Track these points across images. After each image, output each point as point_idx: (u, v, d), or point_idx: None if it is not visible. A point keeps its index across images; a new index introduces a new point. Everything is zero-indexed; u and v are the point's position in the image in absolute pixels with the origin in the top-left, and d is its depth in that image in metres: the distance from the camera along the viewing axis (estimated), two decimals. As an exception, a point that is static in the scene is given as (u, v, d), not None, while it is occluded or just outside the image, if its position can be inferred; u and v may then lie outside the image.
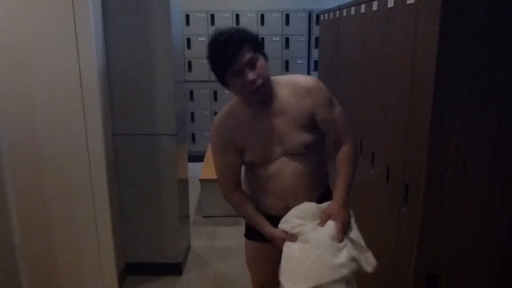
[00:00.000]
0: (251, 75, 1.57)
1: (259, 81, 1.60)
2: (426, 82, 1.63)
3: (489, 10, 1.51)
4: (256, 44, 1.63)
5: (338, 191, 1.73)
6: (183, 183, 3.26)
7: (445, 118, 1.59)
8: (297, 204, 1.74)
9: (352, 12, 2.92)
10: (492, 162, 1.62)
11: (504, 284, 1.73)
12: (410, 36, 1.80)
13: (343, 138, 1.78)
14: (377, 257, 1.74)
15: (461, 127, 1.59)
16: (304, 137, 1.70)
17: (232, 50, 1.56)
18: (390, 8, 2.06)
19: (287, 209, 1.75)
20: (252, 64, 1.58)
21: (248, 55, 1.57)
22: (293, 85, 1.74)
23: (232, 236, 3.71)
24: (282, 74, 5.96)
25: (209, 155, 4.71)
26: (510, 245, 1.70)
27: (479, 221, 1.67)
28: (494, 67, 1.56)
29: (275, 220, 1.77)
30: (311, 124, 1.72)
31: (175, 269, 3.12)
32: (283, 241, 1.72)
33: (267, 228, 1.78)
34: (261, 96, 1.66)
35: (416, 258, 1.72)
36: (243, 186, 1.89)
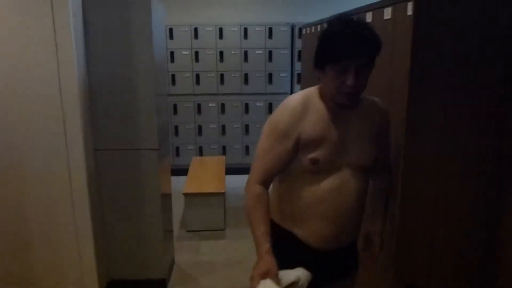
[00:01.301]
0: (353, 81, 1.40)
1: (356, 90, 1.45)
2: (402, 94, 1.66)
3: (460, 22, 1.56)
4: (377, 53, 1.46)
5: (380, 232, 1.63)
6: (166, 197, 3.23)
7: (420, 130, 1.62)
8: (345, 239, 1.57)
9: (333, 26, 2.94)
10: (464, 171, 1.65)
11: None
12: (388, 51, 1.83)
13: (388, 168, 1.69)
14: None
15: (435, 139, 1.63)
16: (373, 151, 1.56)
17: (362, 44, 1.40)
18: (368, 23, 2.09)
19: (336, 241, 1.55)
20: (361, 71, 1.42)
21: (366, 60, 1.42)
22: (375, 102, 1.62)
23: (217, 250, 3.68)
24: (265, 87, 6.01)
25: (193, 168, 4.69)
26: (485, 252, 1.72)
27: (454, 231, 1.70)
28: (464, 78, 1.60)
29: (311, 258, 1.53)
30: (376, 143, 1.59)
31: (159, 285, 3.07)
32: (262, 276, 1.45)
33: (262, 246, 1.50)
34: (348, 102, 1.49)
35: (393, 268, 1.73)
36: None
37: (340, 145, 1.50)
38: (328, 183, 1.50)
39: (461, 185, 1.68)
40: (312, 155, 1.47)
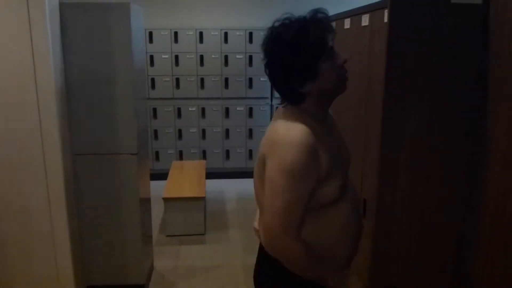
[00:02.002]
0: (343, 56, 1.34)
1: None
2: (378, 100, 1.70)
3: (432, 29, 1.61)
4: None
5: None
6: (145, 202, 3.21)
7: (395, 137, 1.66)
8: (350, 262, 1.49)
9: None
10: (437, 189, 1.70)
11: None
12: (366, 56, 1.87)
13: None
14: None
15: (410, 143, 1.66)
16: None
17: (332, 27, 1.35)
18: (347, 29, 2.13)
19: (347, 266, 1.49)
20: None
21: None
22: None
23: (197, 255, 3.66)
24: (246, 92, 6.02)
25: (173, 172, 4.67)
26: (459, 255, 1.76)
27: (429, 233, 1.74)
28: (437, 82, 1.65)
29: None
30: None
31: (138, 291, 3.05)
32: None
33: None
34: (346, 88, 1.41)
35: (371, 270, 1.76)
36: None
37: (341, 158, 1.45)
38: (347, 201, 1.43)
39: (435, 189, 1.72)
40: (338, 182, 1.37)
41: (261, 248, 1.53)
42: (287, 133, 1.30)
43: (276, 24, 1.37)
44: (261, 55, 1.42)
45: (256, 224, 1.56)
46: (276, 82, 1.41)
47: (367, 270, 1.81)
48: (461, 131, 1.72)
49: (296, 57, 1.31)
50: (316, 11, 1.35)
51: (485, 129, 1.65)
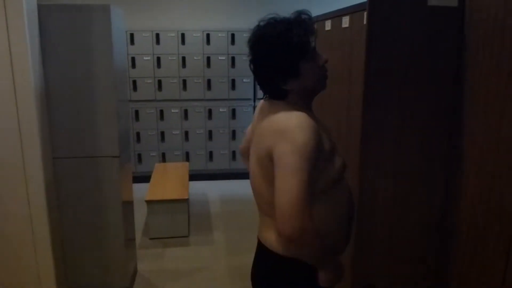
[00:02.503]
0: (323, 56, 1.42)
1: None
2: (358, 101, 1.72)
3: (410, 30, 1.64)
4: None
5: None
6: (128, 205, 3.19)
7: (374, 137, 1.69)
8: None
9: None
10: (417, 188, 1.73)
11: (435, 286, 1.83)
12: (346, 57, 1.89)
13: None
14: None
15: (390, 143, 1.69)
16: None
17: (314, 28, 1.41)
18: (328, 31, 2.15)
19: (343, 250, 1.55)
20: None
21: None
22: None
23: (181, 258, 3.65)
24: (228, 93, 6.02)
25: (156, 174, 4.64)
26: (438, 253, 1.80)
27: (409, 233, 1.77)
28: (416, 83, 1.68)
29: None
30: None
31: (121, 295, 3.03)
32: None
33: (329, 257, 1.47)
34: (326, 86, 1.49)
35: (352, 269, 1.78)
36: None
37: (335, 143, 1.50)
38: (346, 185, 1.50)
39: (415, 188, 1.75)
40: (339, 161, 1.43)
41: (260, 247, 1.55)
42: (291, 119, 1.35)
43: (262, 23, 1.42)
44: (247, 52, 1.49)
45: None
46: (260, 79, 1.47)
47: (348, 269, 1.84)
48: (439, 131, 1.75)
49: (279, 56, 1.37)
50: (300, 13, 1.41)
51: (462, 129, 1.68)
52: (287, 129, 1.34)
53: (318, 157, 1.34)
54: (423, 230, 1.79)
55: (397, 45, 1.69)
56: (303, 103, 1.46)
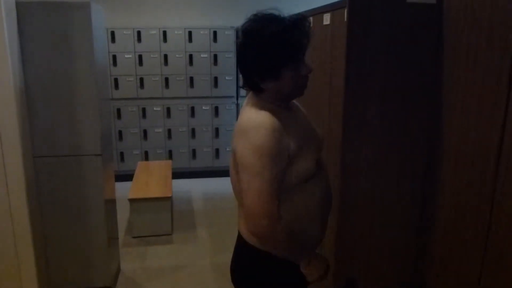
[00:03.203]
0: (310, 66, 1.41)
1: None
2: (339, 96, 1.74)
3: (390, 27, 1.67)
4: None
5: None
6: (111, 204, 3.17)
7: (356, 131, 1.71)
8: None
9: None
10: (397, 184, 1.77)
11: (412, 284, 1.87)
12: (327, 55, 1.91)
13: None
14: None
15: (369, 140, 1.72)
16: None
17: (309, 32, 1.38)
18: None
19: (318, 244, 1.58)
20: None
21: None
22: None
23: (164, 256, 3.64)
24: (211, 91, 5.98)
25: (139, 173, 4.62)
26: (417, 248, 1.84)
27: (389, 229, 1.81)
28: (395, 81, 1.71)
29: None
30: None
31: (105, 294, 3.01)
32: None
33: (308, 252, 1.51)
34: (303, 93, 1.48)
35: (335, 263, 1.81)
36: None
37: (312, 139, 1.51)
38: (322, 179, 1.50)
39: (396, 185, 1.78)
40: (312, 156, 1.43)
41: (239, 240, 1.58)
42: (253, 119, 1.37)
43: (261, 14, 1.40)
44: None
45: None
46: (241, 68, 1.46)
47: (330, 264, 1.87)
48: (419, 127, 1.78)
49: (264, 55, 1.36)
50: (299, 18, 1.38)
51: (441, 126, 1.72)
52: (247, 129, 1.36)
53: (283, 155, 1.35)
54: (403, 226, 1.83)
55: (377, 42, 1.72)
56: (279, 102, 1.46)
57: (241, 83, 1.50)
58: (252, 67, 1.41)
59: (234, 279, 1.64)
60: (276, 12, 1.40)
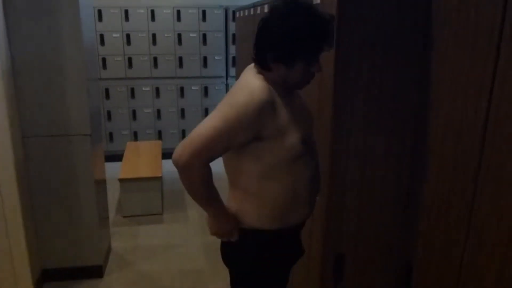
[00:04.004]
0: (320, 69, 1.45)
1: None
2: (328, 88, 1.76)
3: (378, 20, 1.67)
4: None
5: None
6: (101, 183, 3.18)
7: (344, 122, 1.74)
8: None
9: (265, 10, 3.01)
10: (385, 159, 1.81)
11: (398, 260, 1.93)
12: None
13: None
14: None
15: (358, 129, 1.76)
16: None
17: (333, 38, 1.45)
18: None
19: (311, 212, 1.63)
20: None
21: None
22: None
23: (155, 235, 3.68)
24: (200, 71, 5.92)
25: (128, 153, 4.62)
26: (402, 228, 1.90)
27: (377, 207, 1.86)
28: (382, 75, 1.73)
29: (295, 240, 1.67)
30: None
31: (96, 272, 3.04)
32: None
33: (223, 207, 1.54)
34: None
35: (324, 240, 1.86)
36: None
37: (304, 122, 1.52)
38: (311, 160, 1.53)
39: (384, 164, 1.82)
40: (298, 135, 1.44)
41: None
42: (251, 84, 1.41)
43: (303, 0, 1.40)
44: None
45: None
46: (259, 43, 1.45)
47: (319, 239, 1.91)
48: (406, 111, 1.80)
49: (286, 41, 1.36)
50: (330, 21, 1.40)
51: (427, 110, 1.74)
52: (242, 87, 1.42)
53: (249, 131, 1.38)
54: (390, 203, 1.87)
55: (367, 26, 1.70)
56: (278, 86, 1.46)
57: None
58: (270, 46, 1.41)
59: (223, 257, 1.67)
60: (309, 4, 1.41)
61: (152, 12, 5.40)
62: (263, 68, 1.45)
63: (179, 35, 5.52)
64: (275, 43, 1.39)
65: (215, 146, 1.37)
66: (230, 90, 1.46)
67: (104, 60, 5.43)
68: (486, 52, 1.38)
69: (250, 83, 1.42)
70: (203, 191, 1.46)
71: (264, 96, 1.37)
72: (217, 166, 1.56)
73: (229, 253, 1.65)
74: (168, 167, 5.22)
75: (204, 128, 1.38)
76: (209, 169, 1.41)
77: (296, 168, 1.48)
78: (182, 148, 1.38)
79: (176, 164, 1.40)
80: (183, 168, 1.39)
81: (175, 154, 1.39)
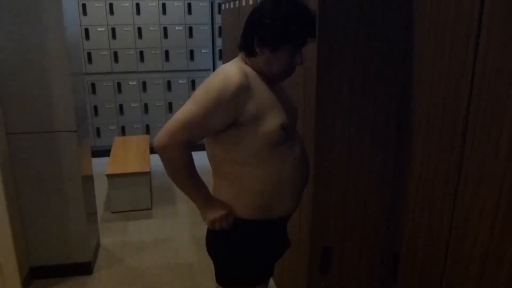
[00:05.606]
0: (302, 61, 1.48)
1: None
2: (312, 81, 1.76)
3: (361, 14, 1.68)
4: None
5: None
6: (88, 180, 3.16)
7: (329, 114, 1.75)
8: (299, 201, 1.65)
9: (250, 2, 3.00)
10: (371, 151, 1.82)
11: (384, 252, 1.96)
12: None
13: None
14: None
15: (342, 121, 1.76)
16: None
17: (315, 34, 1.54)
18: None
19: (297, 204, 1.64)
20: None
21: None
22: None
23: (144, 230, 3.67)
24: (187, 64, 5.89)
25: (116, 148, 4.59)
26: (387, 221, 1.92)
27: (363, 200, 1.88)
28: (365, 52, 1.73)
29: (280, 231, 1.67)
30: None
31: (85, 269, 3.02)
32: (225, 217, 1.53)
33: (210, 195, 1.55)
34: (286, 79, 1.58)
35: (311, 233, 1.87)
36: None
37: (287, 111, 1.52)
38: (292, 149, 1.53)
39: (368, 154, 1.83)
40: (277, 121, 1.44)
41: None
42: (227, 69, 1.45)
43: None
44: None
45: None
46: (248, 25, 1.49)
47: (306, 232, 1.93)
48: (390, 98, 1.81)
49: (276, 24, 1.40)
50: (315, 14, 1.51)
51: (411, 96, 1.75)
52: (217, 72, 1.46)
53: (225, 114, 1.41)
54: (376, 194, 1.89)
55: (348, 30, 1.70)
56: (262, 74, 1.50)
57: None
58: (259, 28, 1.44)
59: (207, 247, 1.67)
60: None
61: (137, 5, 5.34)
62: (248, 53, 1.48)
63: (165, 29, 5.48)
64: (264, 24, 1.42)
65: (192, 128, 1.41)
66: (207, 78, 1.49)
67: (89, 54, 5.38)
68: (465, 43, 1.39)
69: (226, 69, 1.46)
70: (184, 174, 1.48)
71: (238, 79, 1.40)
72: (199, 160, 1.56)
73: (212, 243, 1.65)
74: (157, 161, 5.21)
75: (180, 112, 1.43)
76: (189, 153, 1.46)
77: (276, 156, 1.49)
78: (160, 133, 1.43)
79: (156, 149, 1.45)
80: (162, 151, 1.44)
81: (155, 140, 1.44)
